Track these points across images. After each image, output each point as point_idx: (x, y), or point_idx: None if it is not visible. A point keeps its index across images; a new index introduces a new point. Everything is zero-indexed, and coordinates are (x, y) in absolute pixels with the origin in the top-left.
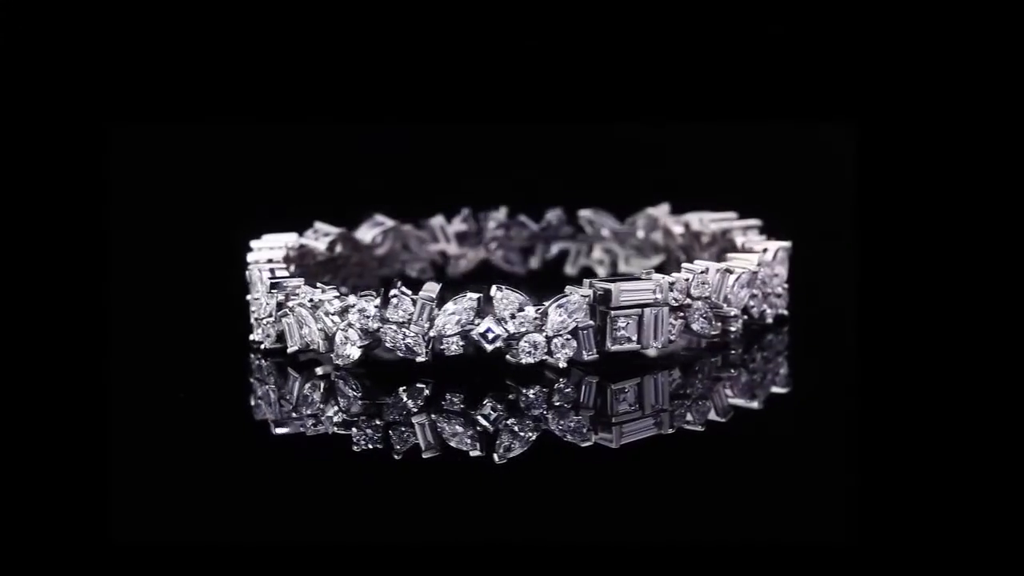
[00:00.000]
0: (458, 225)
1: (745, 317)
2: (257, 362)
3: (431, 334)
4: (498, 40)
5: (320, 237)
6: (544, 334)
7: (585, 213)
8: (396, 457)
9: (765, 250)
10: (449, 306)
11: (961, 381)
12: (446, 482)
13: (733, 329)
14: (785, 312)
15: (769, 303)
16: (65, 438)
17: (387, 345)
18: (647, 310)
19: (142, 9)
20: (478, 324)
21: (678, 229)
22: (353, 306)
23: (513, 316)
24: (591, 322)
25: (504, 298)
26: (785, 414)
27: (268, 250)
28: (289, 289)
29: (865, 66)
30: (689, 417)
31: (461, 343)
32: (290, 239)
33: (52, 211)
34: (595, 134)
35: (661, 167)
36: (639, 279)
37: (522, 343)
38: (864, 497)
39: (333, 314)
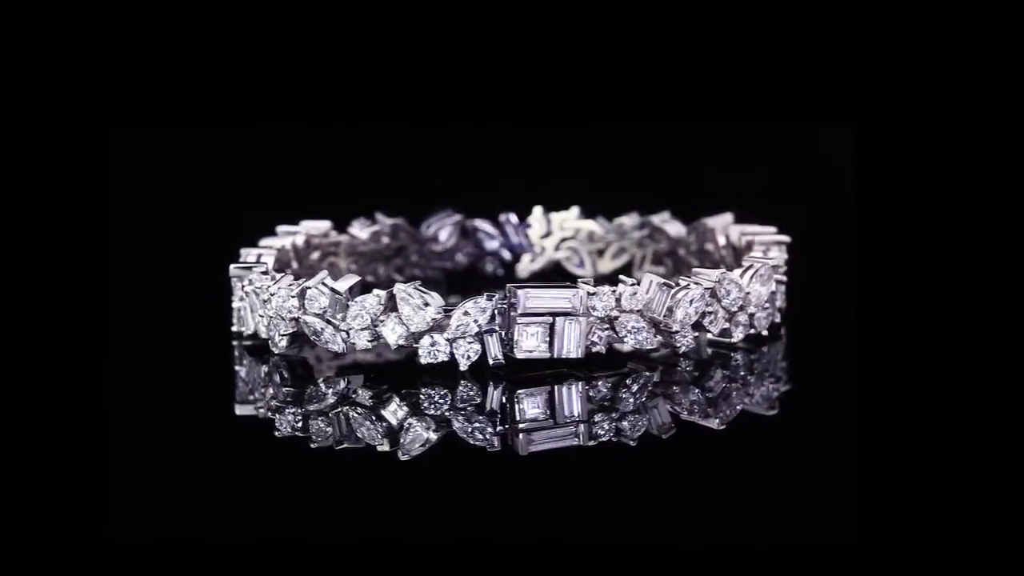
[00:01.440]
0: (530, 223)
1: (698, 334)
2: (236, 349)
3: (342, 328)
4: (500, 40)
5: (364, 228)
6: (445, 336)
7: (654, 219)
8: (312, 447)
9: (750, 267)
10: (358, 301)
11: (960, 384)
12: (355, 474)
13: (679, 345)
14: (764, 332)
15: (735, 322)
16: (62, 436)
17: (309, 336)
18: (560, 319)
19: (141, 9)
20: (384, 321)
21: (722, 240)
22: (274, 295)
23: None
24: (496, 327)
25: (408, 296)
26: (744, 433)
27: (288, 236)
28: (248, 276)
29: (864, 66)
30: (625, 427)
31: (370, 339)
32: (319, 227)
33: (52, 211)
34: (593, 133)
35: (660, 168)
36: (559, 287)
37: (423, 342)
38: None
39: (265, 302)
